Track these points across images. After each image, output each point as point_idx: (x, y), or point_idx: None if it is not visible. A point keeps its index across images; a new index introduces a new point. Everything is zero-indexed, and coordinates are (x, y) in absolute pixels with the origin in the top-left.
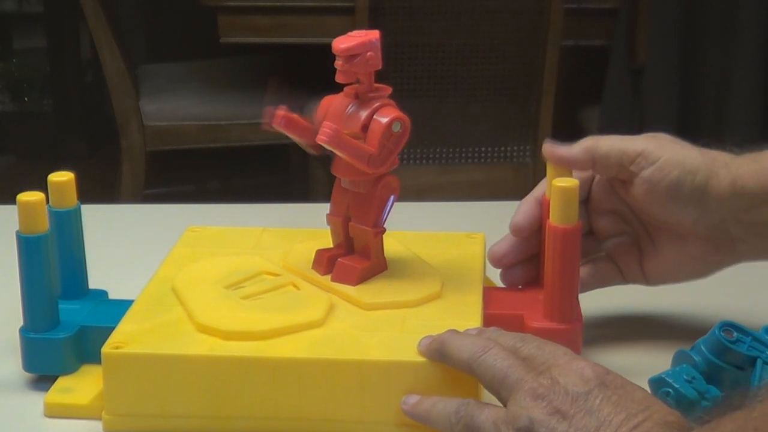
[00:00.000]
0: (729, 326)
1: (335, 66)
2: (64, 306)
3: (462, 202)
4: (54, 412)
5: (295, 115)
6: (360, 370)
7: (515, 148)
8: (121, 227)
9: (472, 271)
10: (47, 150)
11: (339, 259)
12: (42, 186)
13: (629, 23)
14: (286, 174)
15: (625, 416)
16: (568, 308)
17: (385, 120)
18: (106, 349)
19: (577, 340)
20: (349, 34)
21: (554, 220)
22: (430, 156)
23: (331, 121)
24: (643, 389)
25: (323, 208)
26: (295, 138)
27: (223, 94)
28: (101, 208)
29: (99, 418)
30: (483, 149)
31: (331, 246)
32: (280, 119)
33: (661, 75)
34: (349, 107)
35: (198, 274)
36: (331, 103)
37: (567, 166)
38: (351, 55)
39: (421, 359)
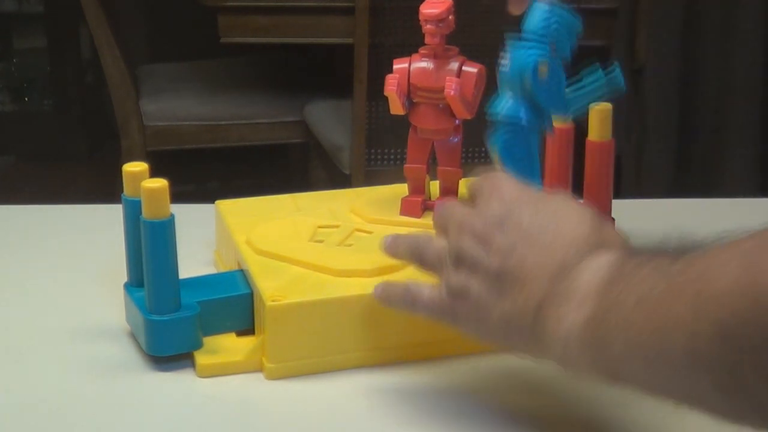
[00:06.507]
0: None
1: (424, 30)
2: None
3: None
4: (208, 371)
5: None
6: None
7: None
8: (121, 227)
9: None
10: (47, 150)
11: (438, 201)
12: (42, 186)
13: (629, 23)
14: (286, 174)
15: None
16: (604, 210)
17: (475, 70)
18: (269, 302)
19: None
20: (429, 1)
21: (592, 137)
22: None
23: (420, 80)
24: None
25: None
26: (395, 99)
27: (223, 94)
28: (101, 208)
29: (254, 371)
30: (483, 149)
31: (407, 194)
32: (395, 85)
33: (661, 75)
34: (431, 65)
35: (270, 237)
36: (410, 63)
37: None
38: (440, 19)
39: None
